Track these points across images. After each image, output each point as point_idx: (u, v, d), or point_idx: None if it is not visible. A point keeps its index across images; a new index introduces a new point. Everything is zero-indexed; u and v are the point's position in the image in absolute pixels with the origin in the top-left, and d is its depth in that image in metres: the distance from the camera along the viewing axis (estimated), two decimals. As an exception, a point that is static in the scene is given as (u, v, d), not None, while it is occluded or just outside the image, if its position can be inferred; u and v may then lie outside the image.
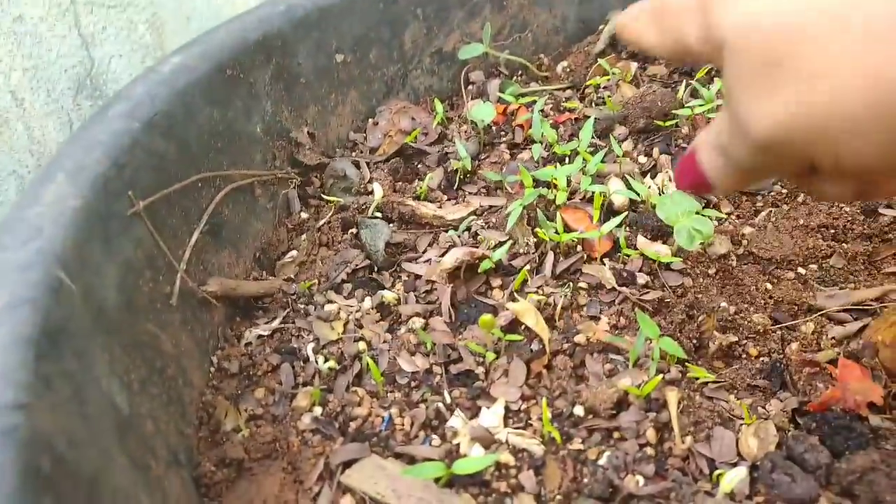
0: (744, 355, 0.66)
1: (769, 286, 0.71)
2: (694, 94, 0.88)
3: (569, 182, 0.76)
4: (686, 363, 0.62)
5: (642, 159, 0.83)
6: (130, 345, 0.48)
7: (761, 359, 0.65)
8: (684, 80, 0.89)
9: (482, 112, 0.81)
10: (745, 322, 0.67)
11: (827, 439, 0.56)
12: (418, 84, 0.93)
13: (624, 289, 0.67)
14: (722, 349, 0.65)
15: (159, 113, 0.57)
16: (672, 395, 0.57)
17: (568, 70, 1.01)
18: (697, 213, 0.70)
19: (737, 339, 0.66)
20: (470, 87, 0.97)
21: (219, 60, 0.65)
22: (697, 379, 0.61)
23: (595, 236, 0.68)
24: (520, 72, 1.01)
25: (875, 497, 0.52)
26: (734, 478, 0.48)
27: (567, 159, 0.80)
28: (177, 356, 0.55)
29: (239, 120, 0.68)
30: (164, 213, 0.57)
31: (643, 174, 0.80)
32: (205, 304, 0.61)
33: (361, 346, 0.61)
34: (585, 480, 0.52)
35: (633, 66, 0.97)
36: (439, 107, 0.87)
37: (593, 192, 0.72)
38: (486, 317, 0.57)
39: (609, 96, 0.91)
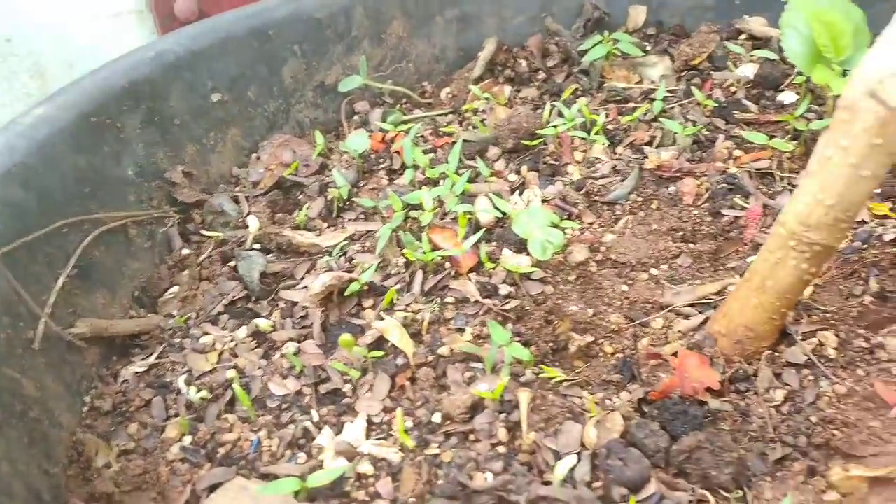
0: (601, 353, 0.71)
1: (625, 288, 0.77)
2: (560, 113, 0.94)
3: (441, 203, 0.80)
4: (542, 364, 0.67)
5: (512, 177, 0.88)
6: (-17, 391, 0.49)
7: (616, 356, 0.70)
8: (548, 102, 0.95)
9: (356, 142, 0.85)
10: (603, 322, 0.73)
11: (667, 424, 0.62)
12: (302, 117, 0.97)
13: (487, 300, 0.71)
14: (581, 349, 0.70)
15: (17, 165, 0.59)
16: (523, 396, 0.61)
17: (451, 96, 1.07)
18: (553, 226, 0.76)
19: (594, 338, 0.71)
20: (355, 116, 1.01)
21: (83, 109, 0.68)
22: (552, 379, 0.65)
23: (457, 253, 0.72)
24: (403, 100, 1.05)
25: (703, 473, 0.58)
26: (566, 466, 0.53)
27: (441, 181, 0.85)
28: (42, 399, 0.56)
29: (108, 164, 0.71)
30: (25, 260, 0.58)
31: (512, 191, 0.85)
32: (74, 346, 0.62)
33: (231, 374, 0.64)
34: (439, 482, 0.55)
35: (507, 89, 1.03)
36: (320, 138, 0.90)
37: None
38: (345, 337, 0.60)
39: (482, 120, 0.97)
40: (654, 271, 0.78)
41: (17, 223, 0.58)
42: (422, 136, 0.96)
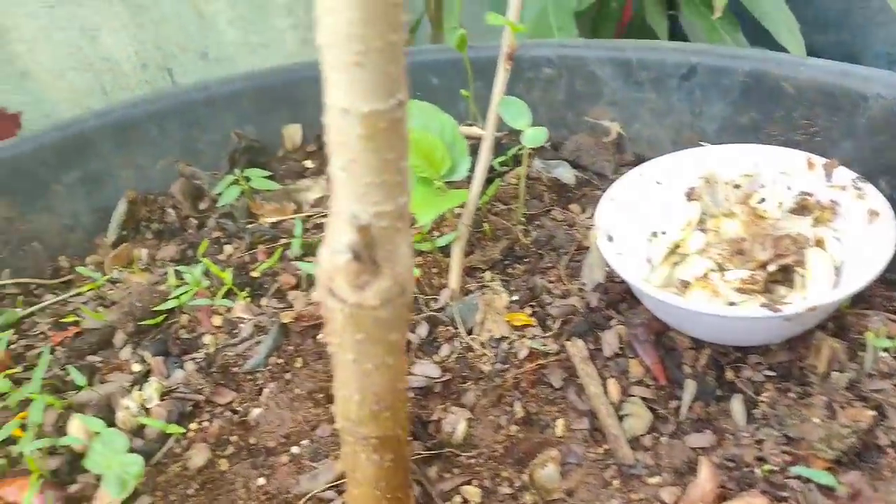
0: (231, 583, 0.59)
1: (262, 480, 0.65)
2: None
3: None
4: None
5: (137, 367, 0.75)
6: None
7: (249, 580, 0.59)
8: (171, 268, 0.84)
9: None
10: (233, 539, 0.61)
11: None
12: None
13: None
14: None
15: None
16: None
17: (95, 264, 0.93)
18: (163, 434, 0.64)
19: (219, 567, 0.59)
20: (-36, 324, 0.85)
21: None
22: None
23: (18, 516, 0.58)
24: (33, 286, 0.90)
25: None
26: None
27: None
28: None
29: None
30: None
31: (132, 386, 0.73)
32: None
33: None
34: None
35: (144, 251, 0.92)
36: None
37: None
38: None
39: (112, 297, 0.84)
40: (294, 450, 0.68)
41: None
42: (41, 333, 0.82)
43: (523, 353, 0.69)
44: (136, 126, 0.97)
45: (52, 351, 0.78)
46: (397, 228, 0.40)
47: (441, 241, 0.79)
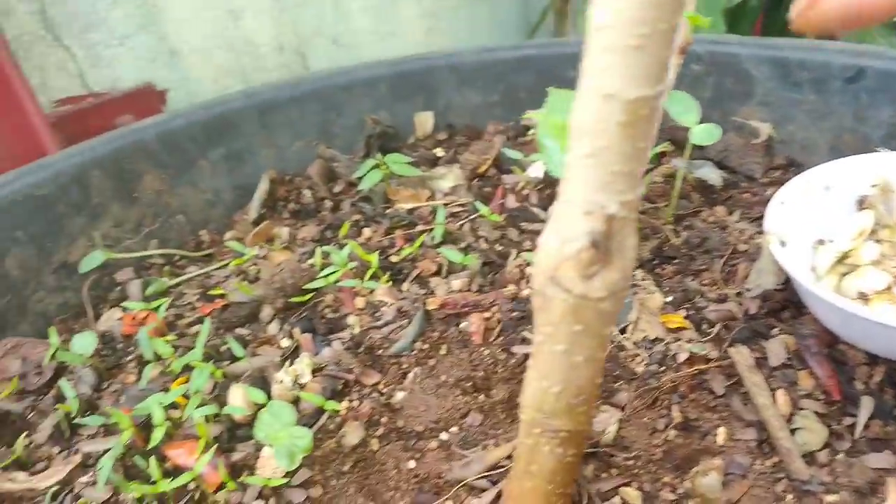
0: (387, 563, 0.60)
1: (413, 464, 0.66)
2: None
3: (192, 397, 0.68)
4: None
5: (285, 342, 0.77)
6: None
7: (403, 563, 0.59)
8: (319, 248, 0.85)
9: (81, 345, 0.72)
10: (389, 517, 0.62)
11: None
12: (45, 307, 0.83)
13: (236, 529, 0.59)
14: (361, 562, 0.59)
15: None
16: None
17: (235, 240, 0.96)
18: (319, 409, 0.65)
19: (374, 547, 0.60)
20: (117, 289, 0.89)
21: None
22: None
23: (191, 478, 0.60)
24: (176, 258, 0.94)
25: None
26: None
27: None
28: None
29: None
30: None
31: (284, 360, 0.74)
32: None
33: None
34: None
35: (285, 230, 0.94)
36: (54, 337, 0.77)
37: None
38: None
39: (257, 272, 0.86)
40: (444, 436, 0.68)
41: None
42: (189, 304, 0.85)
43: (682, 357, 0.67)
44: (278, 108, 0.99)
45: (201, 321, 0.81)
46: (631, 220, 0.39)
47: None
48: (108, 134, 0.90)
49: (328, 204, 0.98)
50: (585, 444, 0.51)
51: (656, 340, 0.69)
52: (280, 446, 0.59)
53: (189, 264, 0.93)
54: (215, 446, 0.62)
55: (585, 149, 0.37)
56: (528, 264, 0.81)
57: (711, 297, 0.73)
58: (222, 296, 0.84)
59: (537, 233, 0.86)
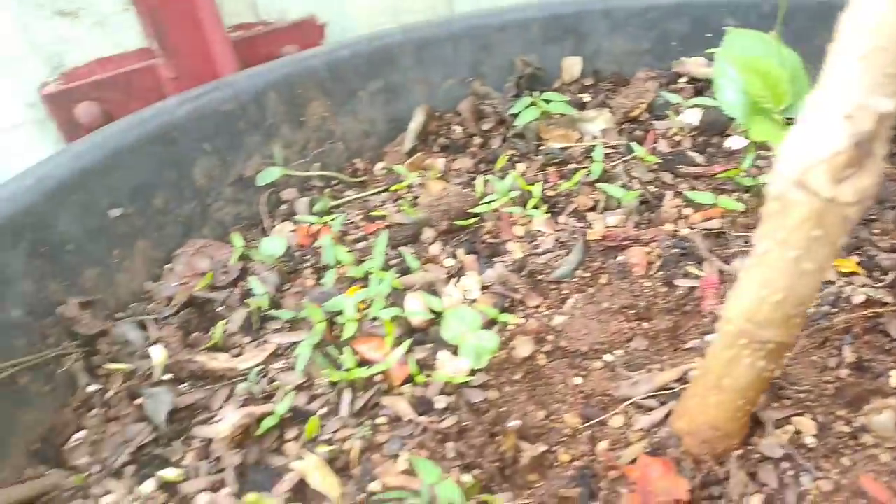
0: (556, 463, 0.63)
1: (579, 380, 0.69)
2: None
3: (369, 304, 0.73)
4: (489, 491, 0.59)
5: (449, 262, 0.81)
6: None
7: (573, 463, 0.63)
8: (481, 175, 0.89)
9: (271, 247, 0.78)
10: (557, 425, 0.65)
11: (633, 554, 0.54)
12: (223, 216, 0.90)
13: (423, 418, 0.63)
14: (534, 460, 0.62)
15: None
16: (465, 541, 0.53)
17: (386, 171, 1.00)
18: (492, 321, 0.69)
19: (547, 446, 0.63)
20: (282, 206, 0.94)
21: (-53, 256, 0.60)
22: (500, 508, 0.57)
23: (382, 369, 0.65)
24: (334, 182, 0.99)
25: None
26: None
27: (369, 278, 0.78)
28: None
29: (-15, 312, 0.63)
30: None
31: (449, 278, 0.78)
32: (-55, 535, 0.54)
33: (131, 547, 0.56)
34: None
35: (441, 161, 0.97)
36: (238, 241, 0.83)
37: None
38: (251, 497, 0.53)
39: (416, 198, 0.90)
40: (608, 357, 0.71)
41: None
42: (352, 223, 0.90)
43: (857, 299, 0.67)
44: (433, 44, 1.02)
45: (366, 239, 0.86)
46: (888, 127, 0.40)
47: (764, 179, 0.77)
48: (282, 59, 0.95)
49: (477, 140, 1.01)
50: (784, 360, 0.52)
51: (828, 283, 0.70)
52: (467, 347, 0.63)
53: (346, 188, 0.98)
54: (409, 341, 0.66)
55: (859, 50, 0.38)
56: (688, 203, 0.82)
57: (883, 245, 0.73)
58: (383, 217, 0.89)
59: (694, 176, 0.87)
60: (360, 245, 0.85)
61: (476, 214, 0.83)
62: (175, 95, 0.86)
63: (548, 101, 0.94)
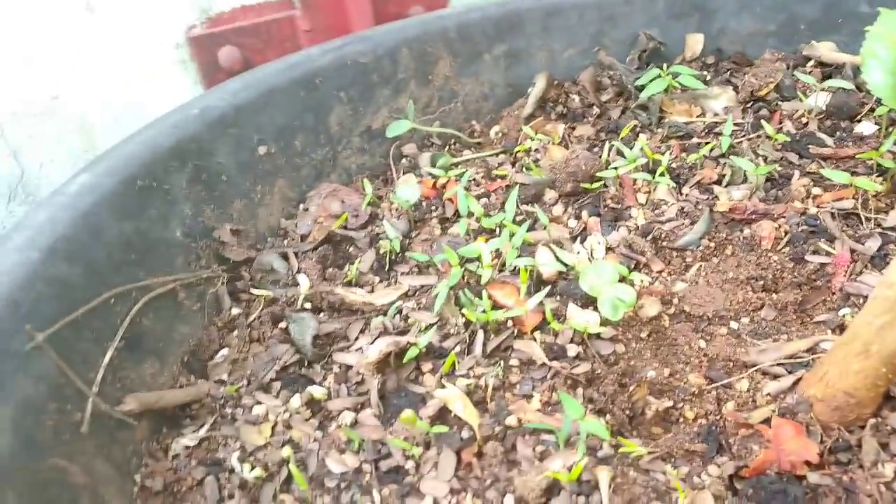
0: (681, 419, 0.65)
1: (703, 344, 0.71)
2: (620, 153, 0.89)
3: (499, 254, 0.76)
4: (620, 435, 0.61)
5: (572, 223, 0.83)
6: (29, 488, 0.46)
7: (698, 421, 0.65)
8: (608, 142, 0.90)
9: (406, 193, 0.81)
10: (681, 384, 0.67)
11: (764, 505, 0.56)
12: (349, 164, 0.94)
13: (555, 363, 0.66)
14: (659, 415, 0.64)
15: (61, 238, 0.57)
16: (603, 476, 0.55)
17: (501, 134, 1.03)
18: (622, 279, 0.71)
19: (672, 402, 0.65)
20: (403, 160, 0.98)
21: (128, 173, 0.66)
22: (631, 453, 0.60)
23: (521, 313, 0.67)
24: (452, 141, 1.02)
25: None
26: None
27: (498, 230, 0.81)
28: (92, 485, 0.53)
29: (155, 228, 0.68)
30: (71, 338, 0.56)
31: (573, 238, 0.80)
32: (124, 423, 0.59)
33: (287, 451, 0.60)
34: (516, 579, 0.50)
35: (561, 127, 0.99)
36: (368, 187, 0.87)
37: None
38: (407, 414, 0.56)
39: (536, 161, 0.92)
40: (733, 325, 0.72)
41: (64, 301, 0.56)
42: (473, 180, 0.92)
43: None
44: (562, 12, 1.04)
45: (489, 196, 0.88)
46: None
47: (899, 162, 0.77)
48: (416, 17, 0.98)
49: (595, 111, 1.02)
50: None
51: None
52: (605, 298, 0.65)
53: (463, 148, 1.01)
54: (547, 288, 0.69)
55: None
56: (817, 182, 0.82)
57: None
58: (503, 177, 0.91)
59: (823, 157, 0.86)
60: (482, 202, 0.88)
61: (600, 179, 0.85)
62: (317, 45, 0.89)
63: (675, 75, 0.94)
